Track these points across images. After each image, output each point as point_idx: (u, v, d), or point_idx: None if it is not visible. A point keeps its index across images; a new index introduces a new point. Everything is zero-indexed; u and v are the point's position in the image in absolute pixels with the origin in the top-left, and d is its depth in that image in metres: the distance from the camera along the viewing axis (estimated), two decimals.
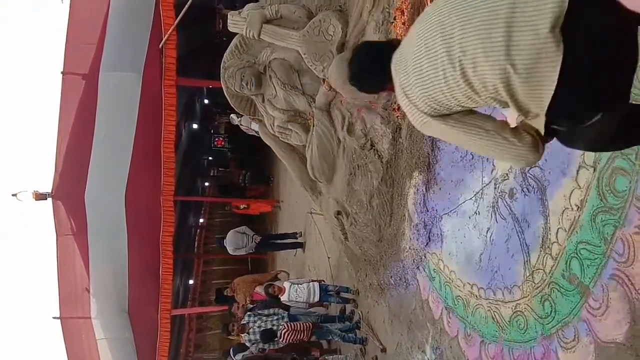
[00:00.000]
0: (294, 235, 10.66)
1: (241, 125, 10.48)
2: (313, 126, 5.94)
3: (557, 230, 2.81)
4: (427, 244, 4.48)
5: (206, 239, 17.38)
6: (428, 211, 4.49)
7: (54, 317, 10.20)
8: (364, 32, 5.07)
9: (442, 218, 4.27)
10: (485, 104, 1.53)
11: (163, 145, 9.25)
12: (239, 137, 16.56)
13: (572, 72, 1.32)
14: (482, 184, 3.64)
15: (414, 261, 4.75)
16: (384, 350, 5.52)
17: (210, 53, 10.91)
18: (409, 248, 4.83)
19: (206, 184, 19.06)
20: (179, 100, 9.56)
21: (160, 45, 8.79)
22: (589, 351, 2.53)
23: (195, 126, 15.01)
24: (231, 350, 7.70)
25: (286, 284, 6.56)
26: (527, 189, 3.11)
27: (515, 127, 1.59)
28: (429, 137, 4.37)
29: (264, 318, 6.46)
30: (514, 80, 1.38)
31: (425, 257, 4.54)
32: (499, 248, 3.42)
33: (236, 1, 11.75)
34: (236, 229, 10.32)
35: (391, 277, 5.27)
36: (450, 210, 4.12)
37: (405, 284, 4.95)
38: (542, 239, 2.94)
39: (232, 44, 6.33)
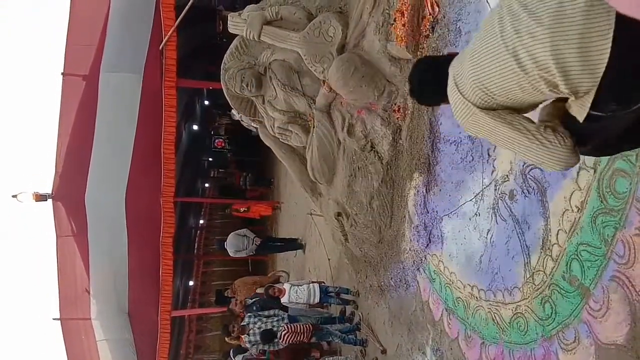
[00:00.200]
0: (295, 241, 10.66)
1: (242, 120, 10.48)
2: (313, 127, 5.94)
3: (558, 231, 2.81)
4: (428, 245, 4.48)
5: (206, 240, 17.39)
6: (428, 212, 4.48)
7: (54, 318, 10.20)
8: (364, 33, 5.07)
9: (442, 219, 4.27)
10: (534, 89, 1.50)
11: (163, 146, 9.25)
12: (239, 139, 16.60)
13: (629, 40, 1.29)
14: (483, 185, 3.64)
15: (414, 262, 4.74)
16: (384, 351, 5.52)
17: (210, 54, 10.94)
18: (409, 249, 4.83)
19: (206, 185, 19.07)
20: (179, 102, 9.57)
21: (161, 47, 8.80)
22: (589, 353, 2.53)
23: (195, 127, 15.02)
24: (231, 351, 7.70)
25: (286, 286, 6.56)
26: (528, 190, 3.11)
27: (553, 127, 1.58)
28: (429, 138, 4.37)
29: (264, 319, 6.45)
30: (565, 51, 1.36)
31: (425, 258, 4.54)
32: (499, 249, 3.41)
33: (236, 2, 11.79)
34: (237, 231, 10.34)
35: (391, 278, 5.26)
36: (451, 212, 4.12)
37: (405, 285, 4.95)
38: (543, 241, 2.94)
39: (232, 45, 6.33)
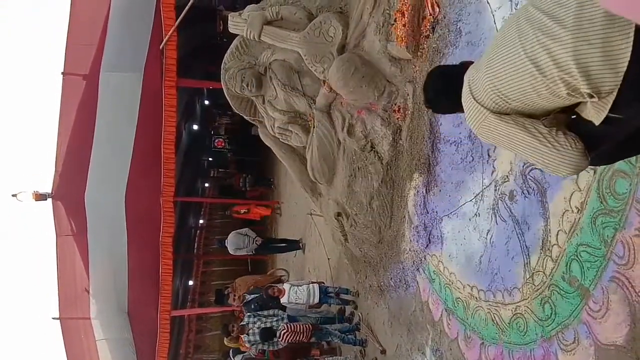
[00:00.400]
0: (295, 243, 10.67)
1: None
2: (313, 127, 5.94)
3: (558, 232, 2.81)
4: (427, 245, 4.48)
5: (206, 240, 17.39)
6: (428, 213, 4.48)
7: (53, 318, 10.20)
8: (365, 33, 5.07)
9: (442, 220, 4.27)
10: (550, 93, 1.51)
11: (163, 146, 9.25)
12: (240, 138, 16.60)
13: None
14: (483, 186, 3.64)
15: (414, 263, 4.74)
16: (383, 352, 5.52)
17: (210, 54, 10.93)
18: (409, 250, 4.83)
19: (206, 184, 19.07)
20: (180, 101, 9.57)
21: (161, 46, 8.79)
22: (589, 354, 2.53)
23: (195, 127, 15.01)
24: (231, 351, 7.71)
25: (286, 286, 6.56)
26: (528, 191, 3.11)
27: (563, 131, 1.59)
28: (429, 138, 4.37)
29: (264, 319, 6.46)
30: (588, 52, 1.37)
31: (425, 258, 4.54)
32: (499, 250, 3.41)
33: (237, 2, 11.79)
34: (238, 230, 10.38)
35: (391, 278, 5.26)
36: (451, 212, 4.12)
37: (405, 285, 4.95)
38: (542, 241, 2.94)
39: (232, 45, 6.33)
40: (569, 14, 1.39)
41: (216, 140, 17.80)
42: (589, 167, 2.53)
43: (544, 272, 2.92)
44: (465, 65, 1.85)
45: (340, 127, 5.52)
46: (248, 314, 6.69)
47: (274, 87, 6.12)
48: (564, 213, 2.76)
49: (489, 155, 3.58)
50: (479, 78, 1.67)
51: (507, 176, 3.35)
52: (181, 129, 11.59)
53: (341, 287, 6.90)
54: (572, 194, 2.70)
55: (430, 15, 4.27)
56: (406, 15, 4.37)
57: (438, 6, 4.19)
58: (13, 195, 9.57)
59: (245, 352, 7.26)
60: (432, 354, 4.33)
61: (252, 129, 13.85)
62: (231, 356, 7.82)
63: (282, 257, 13.02)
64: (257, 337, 6.22)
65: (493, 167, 3.52)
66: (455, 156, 4.01)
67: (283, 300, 6.43)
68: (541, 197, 2.98)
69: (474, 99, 1.70)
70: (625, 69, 1.34)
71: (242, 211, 12.69)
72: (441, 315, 4.19)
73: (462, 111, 1.83)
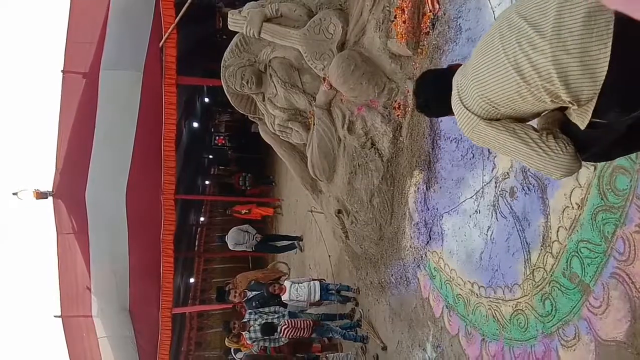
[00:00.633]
0: (295, 239, 10.69)
1: None
2: (313, 125, 5.94)
3: (558, 228, 2.82)
4: (428, 242, 4.49)
5: (207, 237, 17.41)
6: (429, 210, 4.49)
7: (55, 316, 10.22)
8: (365, 30, 5.06)
9: (442, 216, 4.27)
10: (535, 99, 1.52)
11: (163, 143, 9.25)
12: (240, 136, 16.60)
13: (628, 48, 1.31)
14: (483, 182, 3.65)
15: (414, 259, 4.75)
16: (384, 348, 5.53)
17: (210, 51, 10.92)
18: (410, 246, 4.84)
19: (207, 182, 19.08)
20: (180, 99, 9.56)
21: (161, 44, 8.78)
22: (589, 349, 2.54)
23: (195, 124, 15.00)
24: (232, 349, 7.73)
25: (287, 283, 6.57)
26: (528, 187, 3.11)
27: (554, 134, 1.60)
28: (430, 135, 4.37)
29: (265, 316, 6.48)
30: (566, 61, 1.38)
31: (425, 255, 4.55)
32: (499, 246, 3.42)
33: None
34: (239, 226, 10.41)
35: (392, 275, 5.27)
36: (451, 209, 4.12)
37: (406, 282, 4.96)
38: (543, 238, 2.95)
39: (232, 42, 6.32)
40: (548, 23, 1.40)
41: (216, 138, 17.81)
42: (589, 163, 2.55)
43: (544, 269, 2.93)
44: (452, 69, 1.85)
45: (341, 124, 5.52)
46: (249, 311, 6.71)
47: (274, 85, 6.12)
48: (564, 209, 2.77)
49: (489, 152, 3.58)
50: (466, 85, 1.68)
51: (507, 173, 3.35)
52: (181, 127, 11.58)
53: (342, 284, 6.91)
54: (572, 191, 2.70)
55: (430, 12, 4.27)
56: (406, 12, 4.36)
57: (438, 3, 4.19)
58: (14, 194, 9.58)
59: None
60: (433, 350, 4.35)
61: (252, 126, 13.84)
62: (232, 354, 7.85)
63: (282, 254, 13.04)
64: (259, 334, 6.24)
65: (493, 163, 3.53)
66: (456, 153, 4.02)
67: (284, 297, 6.45)
68: (541, 194, 2.98)
69: (464, 106, 1.71)
70: (603, 77, 1.35)
71: (243, 212, 12.67)
72: (442, 311, 4.20)
73: (453, 114, 1.83)
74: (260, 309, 6.66)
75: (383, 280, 5.53)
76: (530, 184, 3.09)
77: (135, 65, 8.97)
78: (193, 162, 14.70)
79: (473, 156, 3.78)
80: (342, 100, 5.50)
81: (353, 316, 6.70)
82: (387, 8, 4.69)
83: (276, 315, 6.48)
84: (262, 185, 15.92)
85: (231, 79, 6.31)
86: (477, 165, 3.74)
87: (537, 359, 2.98)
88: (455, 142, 4.04)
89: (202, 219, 17.61)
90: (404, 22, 4.39)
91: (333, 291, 6.71)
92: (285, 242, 11.10)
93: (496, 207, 3.46)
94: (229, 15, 6.16)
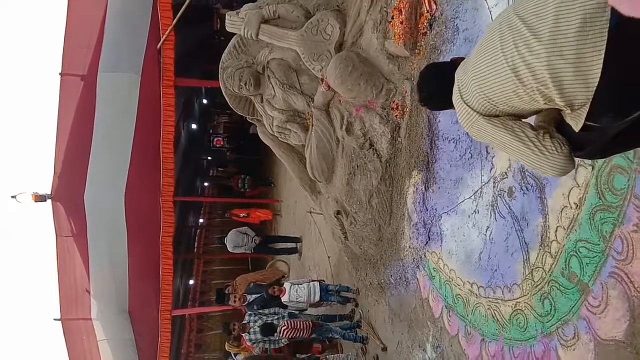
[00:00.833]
0: (295, 239, 10.70)
1: None
2: (312, 126, 5.94)
3: (556, 228, 2.82)
4: (427, 242, 4.49)
5: (206, 239, 17.40)
6: (427, 210, 4.49)
7: (54, 319, 10.20)
8: (362, 31, 5.07)
9: (441, 217, 4.27)
10: (531, 99, 1.55)
11: (162, 145, 9.24)
12: (238, 137, 16.59)
13: (621, 54, 1.32)
14: (481, 182, 3.65)
15: (413, 260, 4.75)
16: (384, 349, 5.53)
17: (208, 53, 10.92)
18: (409, 247, 4.84)
19: (205, 184, 19.08)
20: (178, 101, 9.56)
21: (159, 46, 8.78)
22: (588, 349, 2.54)
23: (194, 126, 15.00)
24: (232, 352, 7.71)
25: (286, 285, 6.57)
26: (526, 187, 3.12)
27: (550, 134, 1.62)
28: (428, 135, 4.37)
29: (264, 318, 6.47)
30: (561, 66, 1.40)
31: (425, 255, 4.55)
32: (498, 246, 3.42)
33: (234, 1, 11.76)
34: (238, 228, 10.43)
35: (391, 276, 5.27)
36: (450, 209, 4.12)
37: (405, 282, 4.96)
38: (541, 237, 2.95)
39: (230, 44, 6.33)
40: (545, 28, 1.41)
41: (215, 139, 17.79)
42: (587, 162, 2.56)
43: (543, 268, 2.93)
44: (455, 62, 1.87)
45: (339, 125, 5.52)
46: (249, 312, 6.71)
47: (272, 86, 6.12)
48: (562, 209, 2.77)
49: (487, 152, 3.58)
50: (467, 81, 1.71)
51: (505, 173, 3.35)
52: (180, 129, 11.57)
53: (341, 285, 6.91)
54: (570, 190, 2.71)
55: (428, 12, 4.27)
56: (403, 13, 4.37)
57: (435, 3, 4.19)
58: (12, 197, 9.57)
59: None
60: (432, 350, 4.35)
61: (250, 127, 13.85)
62: (232, 355, 7.83)
63: (282, 255, 13.04)
64: (258, 335, 6.23)
65: (491, 164, 3.53)
66: (454, 153, 4.02)
67: (284, 299, 6.45)
68: (540, 194, 2.98)
69: (464, 102, 1.73)
70: (596, 83, 1.37)
71: (242, 215, 12.65)
72: (441, 312, 4.20)
73: (454, 108, 1.86)
74: (260, 311, 6.66)
75: (382, 280, 5.53)
76: (529, 183, 3.10)
77: (133, 67, 8.97)
78: (192, 163, 14.69)
79: (471, 156, 3.79)
80: (340, 101, 5.51)
81: (353, 317, 6.70)
82: (385, 9, 4.70)
83: (276, 317, 6.47)
84: (261, 186, 15.90)
85: (229, 81, 6.31)
86: (475, 166, 3.74)
87: (536, 358, 2.98)
88: (453, 142, 4.04)
89: (201, 220, 17.60)
90: (402, 22, 4.39)
91: (333, 292, 6.71)
92: (285, 246, 11.11)
93: (495, 207, 3.47)
94: (226, 17, 6.16)
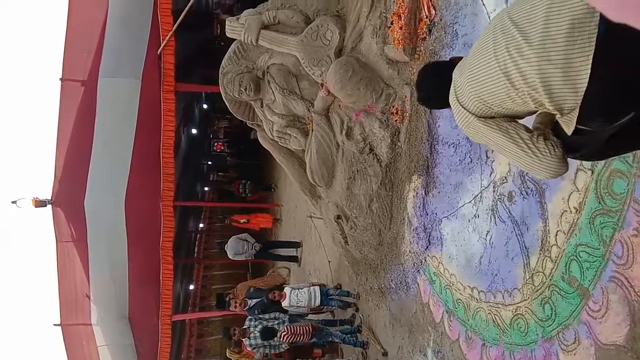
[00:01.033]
0: (295, 244, 10.70)
1: None
2: (312, 131, 5.95)
3: (557, 233, 2.82)
4: (427, 247, 4.48)
5: (206, 244, 17.37)
6: (427, 215, 4.49)
7: (54, 324, 10.18)
8: (362, 36, 5.09)
9: (441, 221, 4.27)
10: (523, 102, 1.56)
11: (162, 150, 9.25)
12: (239, 142, 16.59)
13: (610, 59, 1.33)
14: (481, 187, 3.65)
15: (414, 265, 4.75)
16: (385, 353, 5.52)
17: (208, 58, 10.94)
18: (409, 251, 4.83)
19: (206, 188, 19.07)
20: (178, 106, 9.58)
21: (159, 51, 8.81)
22: (589, 353, 2.54)
23: (194, 131, 15.02)
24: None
25: (287, 289, 6.56)
26: (526, 192, 3.12)
27: (545, 136, 1.63)
28: (428, 140, 4.38)
29: (265, 322, 6.46)
30: (550, 71, 1.41)
31: (425, 260, 4.55)
32: (498, 251, 3.42)
33: (234, 6, 11.81)
34: (238, 235, 10.40)
35: (392, 280, 5.27)
36: (450, 214, 4.13)
37: (405, 287, 4.95)
38: (542, 242, 2.95)
39: (230, 49, 6.35)
40: (535, 32, 1.42)
41: (215, 144, 17.79)
42: (586, 167, 2.56)
43: (543, 273, 2.93)
44: (454, 61, 1.88)
45: (339, 130, 5.53)
46: (249, 317, 6.70)
47: (272, 91, 6.14)
48: (562, 213, 2.77)
49: (487, 156, 3.59)
50: (462, 83, 1.72)
51: (505, 177, 3.36)
52: (180, 134, 11.59)
53: (342, 290, 6.90)
54: (570, 195, 2.71)
55: (427, 17, 4.29)
56: (403, 18, 4.39)
57: (434, 9, 4.21)
58: (13, 202, 9.57)
59: None
60: (433, 355, 4.34)
61: (251, 132, 13.84)
62: None
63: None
64: (259, 340, 6.22)
65: (491, 168, 3.53)
66: (454, 158, 4.02)
67: (284, 304, 6.44)
68: (540, 198, 2.99)
69: (460, 103, 1.74)
70: (584, 88, 1.38)
71: (242, 221, 12.63)
72: (442, 316, 4.19)
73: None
74: (261, 316, 6.64)
75: (383, 285, 5.52)
76: (529, 188, 3.10)
77: (133, 72, 8.99)
78: (192, 168, 14.70)
79: (471, 161, 3.79)
80: (340, 106, 5.52)
81: (353, 322, 6.69)
82: (384, 14, 4.72)
83: (276, 322, 6.46)
84: (261, 191, 15.89)
85: (229, 86, 6.33)
86: (475, 170, 3.74)
87: None
88: (453, 146, 4.05)
89: (201, 225, 17.58)
90: (401, 28, 4.41)
91: (333, 296, 6.70)
92: (286, 253, 11.11)
93: (495, 212, 3.47)
94: (226, 23, 6.19)
